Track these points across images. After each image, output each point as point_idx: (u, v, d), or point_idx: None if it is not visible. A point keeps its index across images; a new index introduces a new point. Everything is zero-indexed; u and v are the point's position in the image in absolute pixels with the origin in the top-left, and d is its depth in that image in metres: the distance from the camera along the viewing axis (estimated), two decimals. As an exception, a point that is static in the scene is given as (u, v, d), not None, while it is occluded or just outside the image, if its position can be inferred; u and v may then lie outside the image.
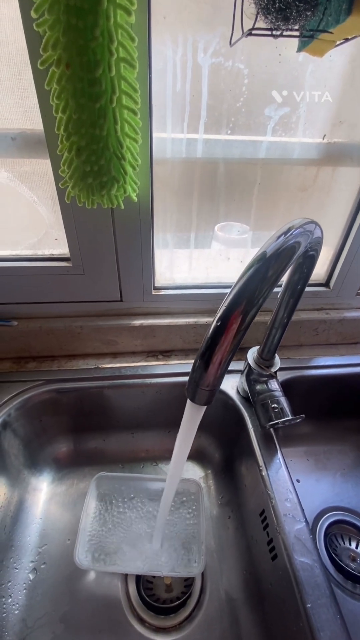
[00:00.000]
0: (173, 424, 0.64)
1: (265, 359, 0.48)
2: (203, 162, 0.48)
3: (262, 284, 0.24)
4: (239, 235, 0.61)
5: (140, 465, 0.63)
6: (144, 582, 0.49)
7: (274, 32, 0.35)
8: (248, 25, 0.35)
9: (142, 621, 0.46)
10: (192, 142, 0.46)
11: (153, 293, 0.58)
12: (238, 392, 0.56)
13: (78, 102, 0.33)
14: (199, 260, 0.59)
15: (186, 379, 0.59)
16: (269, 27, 0.32)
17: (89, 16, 0.29)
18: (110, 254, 0.52)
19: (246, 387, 0.53)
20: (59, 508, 0.57)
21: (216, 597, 0.48)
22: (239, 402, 0.55)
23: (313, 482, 0.63)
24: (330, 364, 0.62)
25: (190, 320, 0.60)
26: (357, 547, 0.54)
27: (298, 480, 0.62)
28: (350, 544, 0.55)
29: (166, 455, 0.64)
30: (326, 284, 0.62)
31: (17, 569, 0.49)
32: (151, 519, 0.52)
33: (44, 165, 0.48)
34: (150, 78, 0.38)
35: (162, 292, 0.58)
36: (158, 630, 0.45)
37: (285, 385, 0.55)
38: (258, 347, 0.50)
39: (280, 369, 0.50)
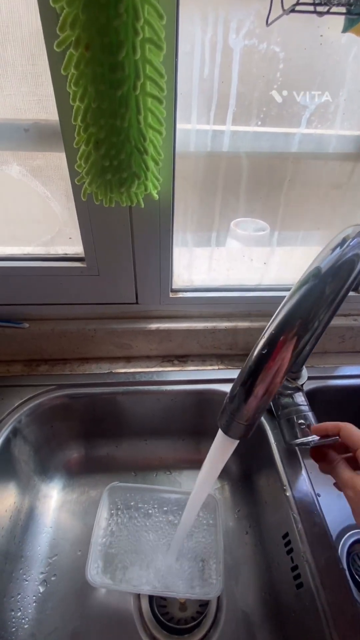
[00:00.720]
0: (188, 432, 0.61)
1: (292, 371, 0.44)
2: (229, 156, 0.44)
3: (318, 305, 0.21)
4: (256, 232, 0.57)
5: (153, 473, 0.61)
6: (157, 599, 0.47)
7: (319, 9, 0.31)
8: (288, 2, 0.31)
9: (155, 641, 0.44)
10: (218, 134, 0.42)
11: (170, 296, 0.54)
12: (259, 402, 0.53)
13: (98, 89, 0.30)
14: (220, 260, 0.56)
15: (203, 387, 0.57)
16: (313, 2, 0.28)
17: (113, -11, 0.26)
18: (127, 255, 0.49)
19: (268, 399, 0.49)
20: (69, 517, 0.55)
21: (233, 618, 0.46)
22: (259, 413, 0.52)
23: (334, 498, 0.59)
24: (356, 373, 0.58)
25: (209, 324, 0.56)
26: (382, 570, 0.51)
27: (318, 495, 0.59)
28: (375, 566, 0.52)
29: (180, 465, 0.61)
30: (355, 288, 0.58)
31: (27, 580, 0.47)
32: (166, 533, 0.50)
33: (58, 159, 0.45)
34: (176, 62, 0.35)
35: (180, 294, 0.55)
36: (172, 651, 0.43)
37: (308, 395, 0.51)
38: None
39: (306, 379, 0.47)
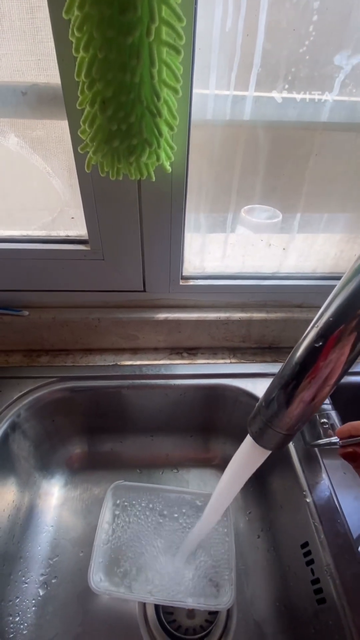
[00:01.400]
0: (197, 429, 0.58)
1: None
2: (250, 127, 0.39)
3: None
4: (268, 219, 0.53)
5: (159, 471, 0.58)
6: (164, 606, 0.45)
7: None
8: None
9: (161, 651, 0.41)
10: (239, 100, 0.37)
11: (180, 283, 0.50)
12: (274, 399, 0.49)
13: (105, 35, 0.26)
14: (235, 246, 0.51)
15: (215, 381, 0.53)
16: None
17: None
18: (135, 237, 0.44)
19: (286, 396, 0.46)
20: (71, 515, 0.52)
21: (244, 628, 0.43)
22: (275, 411, 0.48)
23: (351, 500, 0.56)
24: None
25: (222, 315, 0.52)
26: None
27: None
28: None
29: (188, 462, 0.58)
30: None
31: (26, 583, 0.45)
32: (174, 537, 0.47)
33: (60, 129, 0.40)
34: (195, 10, 0.30)
35: (191, 282, 0.51)
36: (179, 662, 0.40)
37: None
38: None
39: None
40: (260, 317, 0.52)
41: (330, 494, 0.39)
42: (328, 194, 0.46)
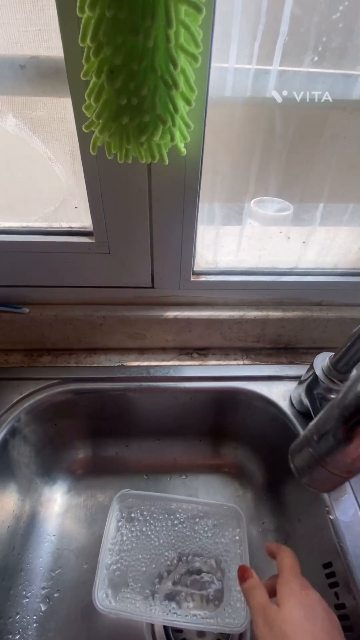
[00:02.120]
0: (206, 433, 0.55)
1: (340, 371, 0.37)
2: (273, 105, 0.35)
3: None
4: (279, 212, 0.49)
5: (167, 477, 0.55)
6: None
7: None
8: None
9: (171, 673, 0.39)
10: (262, 74, 0.33)
11: (192, 279, 0.47)
12: (292, 403, 0.46)
13: (114, -11, 0.22)
14: (251, 239, 0.48)
15: (227, 384, 0.49)
16: None
17: None
18: (143, 229, 0.41)
19: (306, 401, 0.42)
20: (75, 523, 0.49)
21: (259, 649, 0.40)
22: (292, 416, 0.45)
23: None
24: None
25: (235, 313, 0.49)
26: None
27: None
28: None
29: (197, 468, 0.55)
30: None
31: (27, 597, 0.42)
32: (184, 549, 0.44)
33: (63, 108, 0.37)
34: (217, -36, 0.26)
35: (203, 277, 0.47)
36: None
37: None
38: (332, 354, 0.39)
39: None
40: (277, 316, 0.49)
41: (356, 511, 0.36)
42: (355, 182, 0.42)
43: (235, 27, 0.31)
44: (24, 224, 0.44)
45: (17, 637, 0.40)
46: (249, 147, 0.38)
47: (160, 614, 0.38)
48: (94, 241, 0.42)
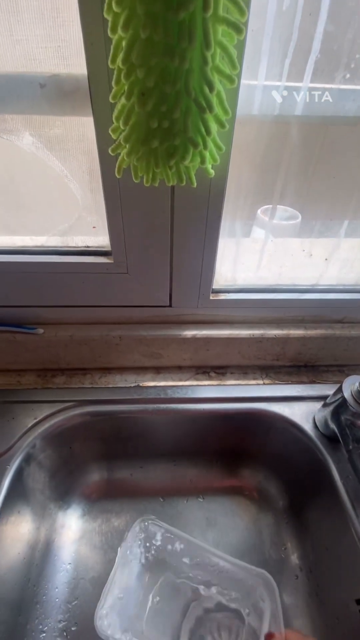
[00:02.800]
0: (224, 455, 0.53)
1: (371, 397, 0.35)
2: (302, 123, 0.34)
3: None
4: (286, 221, 0.48)
5: (184, 499, 0.53)
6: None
7: None
8: None
9: None
10: (291, 91, 0.32)
11: (211, 297, 0.45)
12: (316, 426, 0.45)
13: (149, 10, 0.21)
14: (272, 256, 0.46)
15: (248, 405, 0.48)
16: None
17: None
18: (163, 248, 0.40)
19: (332, 425, 0.41)
20: (90, 551, 0.47)
21: None
22: (317, 440, 0.44)
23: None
24: None
25: (256, 332, 0.47)
26: None
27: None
28: None
29: (213, 490, 0.54)
30: None
31: (44, 632, 0.41)
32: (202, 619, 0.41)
33: (81, 127, 0.36)
34: (252, -19, 0.25)
35: (222, 296, 0.46)
36: None
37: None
38: (362, 379, 0.37)
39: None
40: (298, 335, 0.48)
41: (392, 544, 0.34)
42: (382, 199, 0.41)
43: (266, 43, 0.30)
44: (38, 242, 0.43)
45: None
46: (274, 165, 0.36)
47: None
48: (112, 261, 0.41)
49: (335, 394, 0.40)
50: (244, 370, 0.52)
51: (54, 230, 0.44)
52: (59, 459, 0.47)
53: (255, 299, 0.46)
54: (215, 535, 0.49)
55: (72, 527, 0.49)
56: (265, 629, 0.36)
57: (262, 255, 0.46)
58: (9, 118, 0.36)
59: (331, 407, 0.41)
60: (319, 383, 0.50)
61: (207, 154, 0.28)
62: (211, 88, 0.24)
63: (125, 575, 0.42)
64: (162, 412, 0.47)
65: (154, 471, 0.53)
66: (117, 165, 0.28)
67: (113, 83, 0.24)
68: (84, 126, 0.35)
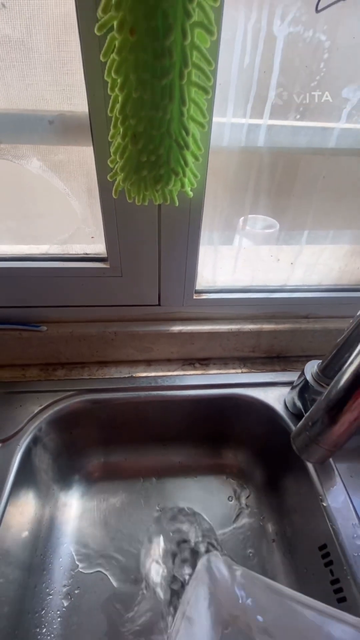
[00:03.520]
0: (209, 436, 0.60)
1: (327, 376, 0.43)
2: (264, 152, 0.42)
3: None
4: (265, 229, 0.55)
5: (173, 479, 0.59)
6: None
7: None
8: (342, -16, 0.29)
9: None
10: (254, 128, 0.40)
11: (194, 297, 0.52)
12: (286, 406, 0.52)
13: (140, 77, 0.28)
14: (245, 261, 0.54)
15: (229, 391, 0.55)
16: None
17: (166, -34, 0.23)
18: (152, 256, 0.46)
19: (299, 403, 0.48)
20: (90, 526, 0.53)
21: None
22: (288, 418, 0.51)
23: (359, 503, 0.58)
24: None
25: (233, 327, 0.54)
26: None
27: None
28: None
29: (200, 469, 0.60)
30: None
31: (50, 595, 0.46)
32: None
33: (82, 154, 0.42)
34: (218, 50, 0.32)
35: (204, 295, 0.53)
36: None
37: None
38: (320, 361, 0.45)
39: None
40: (270, 328, 0.55)
41: (345, 497, 0.41)
42: (335, 212, 0.49)
43: (232, 92, 0.37)
44: (42, 250, 0.49)
45: (44, 629, 0.43)
46: (243, 186, 0.44)
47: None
48: (108, 266, 0.47)
49: (299, 377, 0.47)
50: (225, 361, 0.59)
51: (56, 240, 0.50)
52: (62, 443, 0.53)
53: (233, 298, 0.53)
54: (202, 511, 0.55)
55: (73, 506, 0.54)
56: None
57: (237, 261, 0.53)
58: (20, 146, 0.42)
59: (297, 389, 0.48)
60: (289, 371, 0.57)
61: (186, 180, 0.35)
62: (187, 132, 0.31)
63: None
64: (153, 398, 0.53)
65: (147, 454, 0.59)
66: (114, 189, 0.35)
67: (111, 127, 0.31)
68: (84, 153, 0.42)
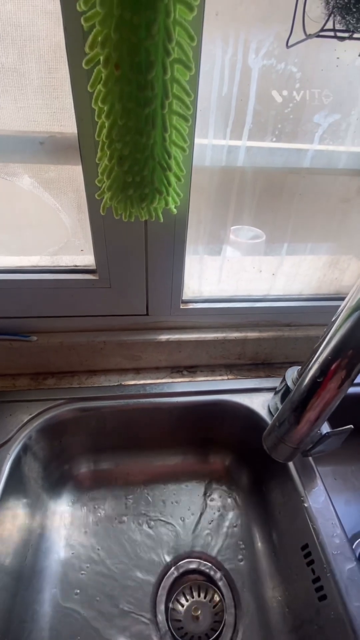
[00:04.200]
0: (198, 443, 0.61)
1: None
2: (243, 171, 0.44)
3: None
4: (252, 240, 0.58)
5: (163, 485, 0.60)
6: (171, 613, 0.47)
7: (340, 35, 0.32)
8: (309, 24, 0.32)
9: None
10: (233, 149, 0.42)
11: (181, 307, 0.54)
12: (270, 412, 0.54)
13: (125, 106, 0.30)
14: (229, 271, 0.56)
15: (216, 397, 0.57)
16: (342, 28, 0.29)
17: (147, 11, 0.26)
18: (140, 267, 0.48)
19: (281, 409, 0.50)
20: (79, 535, 0.53)
21: (250, 633, 0.46)
22: (271, 423, 0.52)
23: (342, 504, 0.60)
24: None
25: (219, 335, 0.57)
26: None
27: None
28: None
29: (189, 474, 0.61)
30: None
31: (39, 602, 0.46)
32: None
33: (71, 171, 0.45)
34: (197, 81, 0.35)
35: (190, 305, 0.55)
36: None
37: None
38: (299, 367, 0.47)
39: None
40: (254, 336, 0.57)
41: (325, 498, 0.43)
42: (311, 226, 0.52)
43: (212, 118, 0.40)
44: (32, 262, 0.50)
45: (32, 637, 0.43)
46: (225, 202, 0.47)
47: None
48: (97, 278, 0.49)
49: (281, 382, 0.50)
50: (212, 368, 0.61)
51: (46, 252, 0.52)
52: (51, 451, 0.54)
53: (218, 307, 0.56)
54: (193, 514, 0.57)
55: (63, 514, 0.55)
56: None
57: (222, 271, 0.56)
58: (11, 164, 0.44)
59: (279, 395, 0.50)
60: (273, 377, 0.59)
61: (169, 199, 0.37)
62: (169, 156, 0.33)
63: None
64: (142, 406, 0.55)
65: (137, 460, 0.60)
66: (101, 206, 0.37)
67: (98, 150, 0.34)
68: (74, 171, 0.44)
